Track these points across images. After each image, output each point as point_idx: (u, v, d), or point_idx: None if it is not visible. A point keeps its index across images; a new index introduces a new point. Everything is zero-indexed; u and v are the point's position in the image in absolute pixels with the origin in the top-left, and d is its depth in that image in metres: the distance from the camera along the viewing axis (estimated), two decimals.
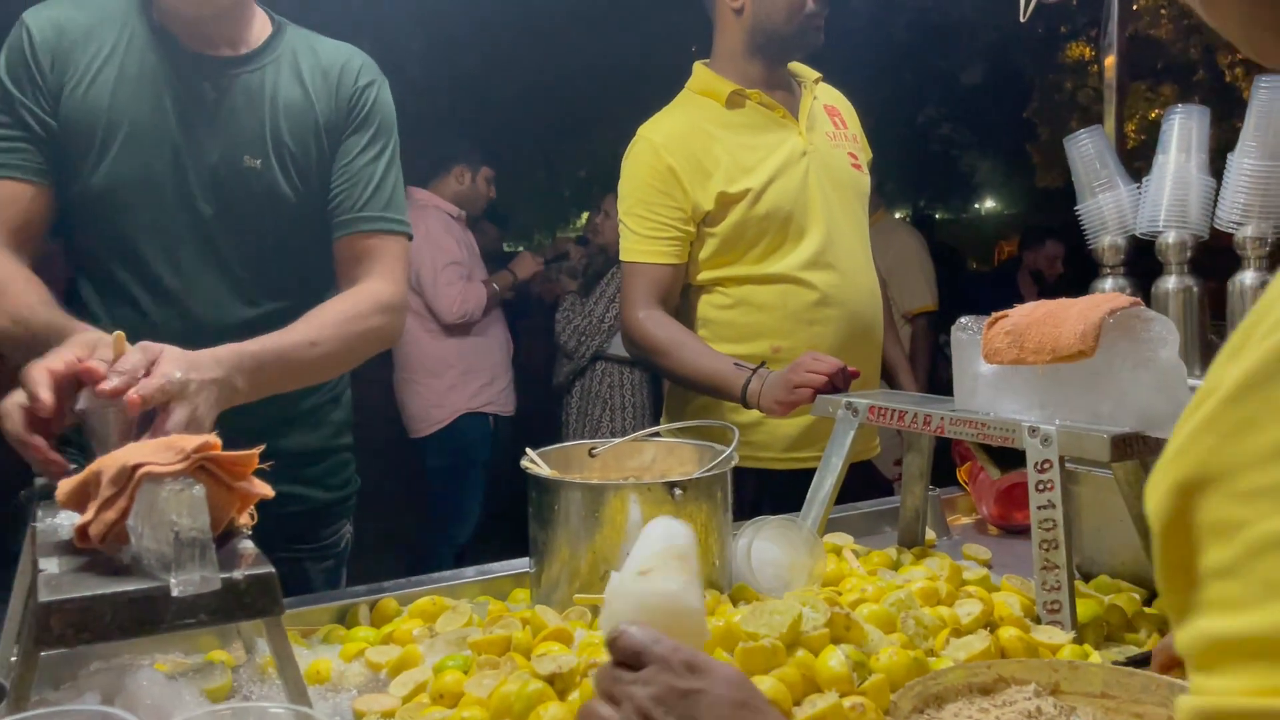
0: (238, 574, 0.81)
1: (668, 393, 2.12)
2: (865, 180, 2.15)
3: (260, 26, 1.55)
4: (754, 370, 1.84)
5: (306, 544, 1.68)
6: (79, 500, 0.85)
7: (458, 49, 6.56)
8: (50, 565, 0.83)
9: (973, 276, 6.16)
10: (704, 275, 2.03)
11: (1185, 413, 0.45)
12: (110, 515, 0.81)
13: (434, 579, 1.48)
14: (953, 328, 1.49)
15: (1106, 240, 1.80)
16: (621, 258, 2.05)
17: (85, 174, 1.45)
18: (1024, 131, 11.00)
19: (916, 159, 12.82)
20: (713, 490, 1.36)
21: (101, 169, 1.44)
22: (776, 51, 2.05)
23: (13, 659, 0.85)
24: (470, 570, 1.52)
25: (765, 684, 0.90)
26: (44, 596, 0.76)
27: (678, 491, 1.30)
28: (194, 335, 1.23)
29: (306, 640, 1.29)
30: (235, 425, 1.11)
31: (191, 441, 0.83)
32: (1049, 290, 4.53)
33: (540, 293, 4.35)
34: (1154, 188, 1.71)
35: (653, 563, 0.83)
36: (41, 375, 1.02)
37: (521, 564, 1.48)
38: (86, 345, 1.08)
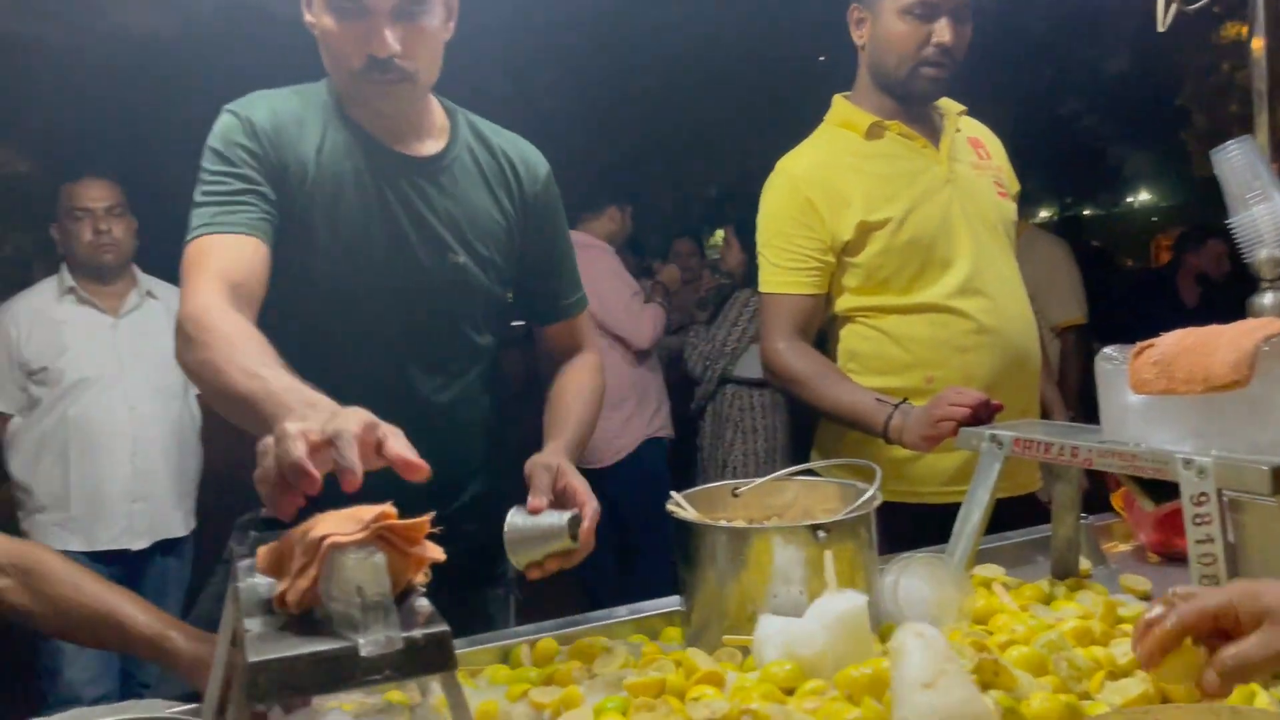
0: (417, 633, 0.89)
1: (819, 426, 2.13)
2: (1012, 209, 2.12)
3: (438, 115, 1.60)
4: (896, 405, 1.84)
5: (481, 575, 1.78)
6: (275, 568, 0.95)
7: (585, 75, 6.73)
8: (254, 625, 0.92)
9: (1127, 281, 5.90)
10: (848, 304, 2.03)
11: None
12: (304, 584, 0.89)
13: (589, 618, 1.55)
14: (1096, 358, 1.47)
15: (1264, 254, 1.73)
16: (761, 289, 2.08)
17: (295, 260, 1.48)
18: (1178, 119, 10.44)
19: (1061, 155, 12.32)
20: (857, 530, 1.38)
21: (314, 263, 1.49)
22: (896, 93, 2.04)
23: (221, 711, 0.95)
24: (623, 610, 1.58)
25: None
26: (252, 657, 0.85)
27: (821, 534, 1.33)
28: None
29: (474, 680, 1.38)
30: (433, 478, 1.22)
31: (370, 512, 0.91)
32: (1216, 291, 4.27)
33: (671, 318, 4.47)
34: None
35: (929, 675, 0.95)
36: (300, 444, 0.95)
37: (672, 602, 1.53)
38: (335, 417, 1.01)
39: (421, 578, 0.97)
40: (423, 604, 0.95)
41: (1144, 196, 15.06)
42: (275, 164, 1.46)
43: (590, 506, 1.36)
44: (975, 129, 2.17)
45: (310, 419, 0.96)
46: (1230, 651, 0.87)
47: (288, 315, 1.54)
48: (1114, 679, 1.13)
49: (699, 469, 4.05)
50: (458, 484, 1.65)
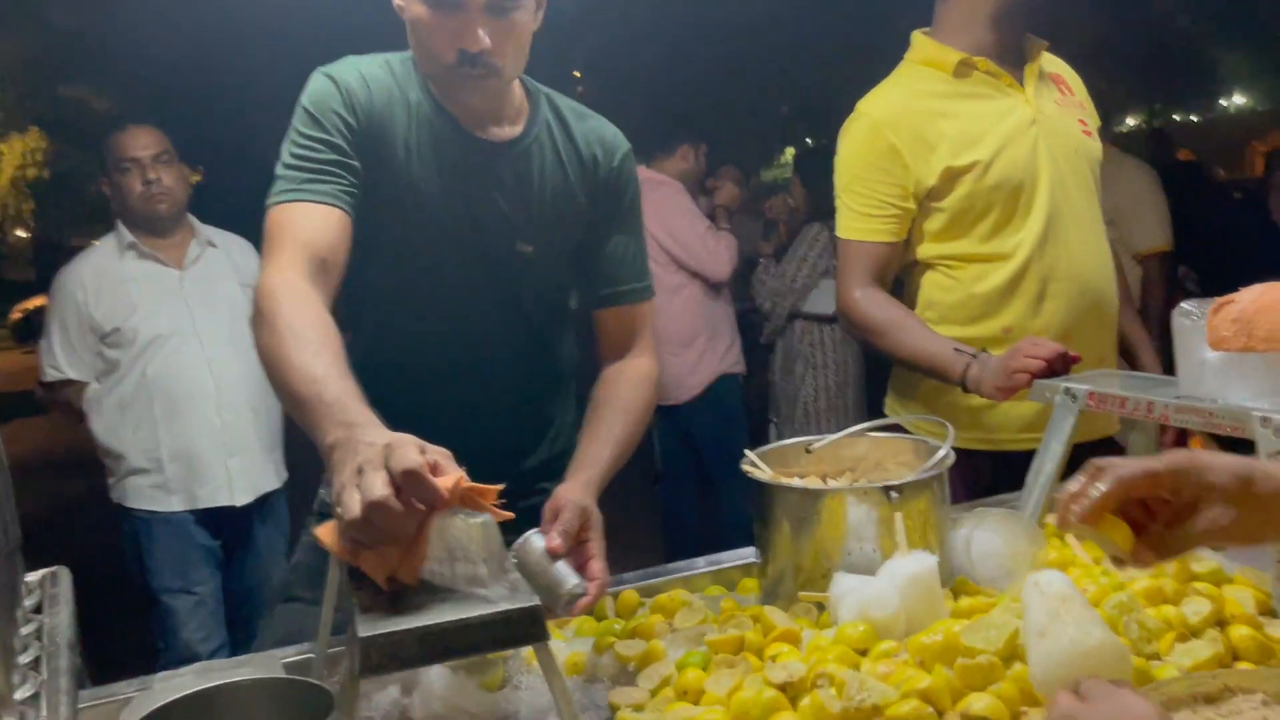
0: (512, 608, 0.96)
1: (894, 372, 2.14)
2: (1097, 147, 2.07)
3: (518, 97, 1.58)
4: (974, 355, 1.84)
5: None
6: (354, 555, 0.98)
7: (657, 8, 6.62)
8: (362, 598, 1.00)
9: (1216, 198, 5.66)
10: (929, 252, 2.00)
11: None
12: (416, 560, 0.97)
13: (669, 569, 1.62)
14: (1174, 313, 1.45)
15: None
16: (838, 234, 2.05)
17: (373, 237, 1.48)
18: (1275, 17, 9.88)
19: (1152, 57, 11.79)
20: (929, 488, 1.41)
21: (390, 241, 1.50)
22: (1026, 18, 1.98)
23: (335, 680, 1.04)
24: (701, 561, 1.64)
25: (982, 701, 0.97)
26: (363, 632, 0.93)
27: (894, 495, 1.36)
28: (429, 414, 1.25)
29: (562, 632, 1.46)
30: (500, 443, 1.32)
31: (446, 482, 0.97)
32: None
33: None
34: None
35: (1047, 621, 1.01)
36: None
37: (748, 553, 1.58)
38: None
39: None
40: (516, 579, 1.02)
41: (1239, 100, 14.33)
42: (367, 137, 1.46)
43: (599, 583, 1.29)
44: (1056, 65, 2.12)
45: (360, 455, 0.97)
46: (1176, 530, 0.91)
47: (363, 290, 1.59)
48: (1184, 640, 1.16)
49: (771, 404, 4.09)
50: (522, 452, 1.67)
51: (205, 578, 2.94)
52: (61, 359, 2.90)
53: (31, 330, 11.32)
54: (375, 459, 0.95)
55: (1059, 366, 1.67)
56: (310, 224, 1.39)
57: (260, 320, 1.29)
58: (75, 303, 2.88)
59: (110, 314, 2.86)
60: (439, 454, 1.00)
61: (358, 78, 1.49)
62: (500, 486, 1.04)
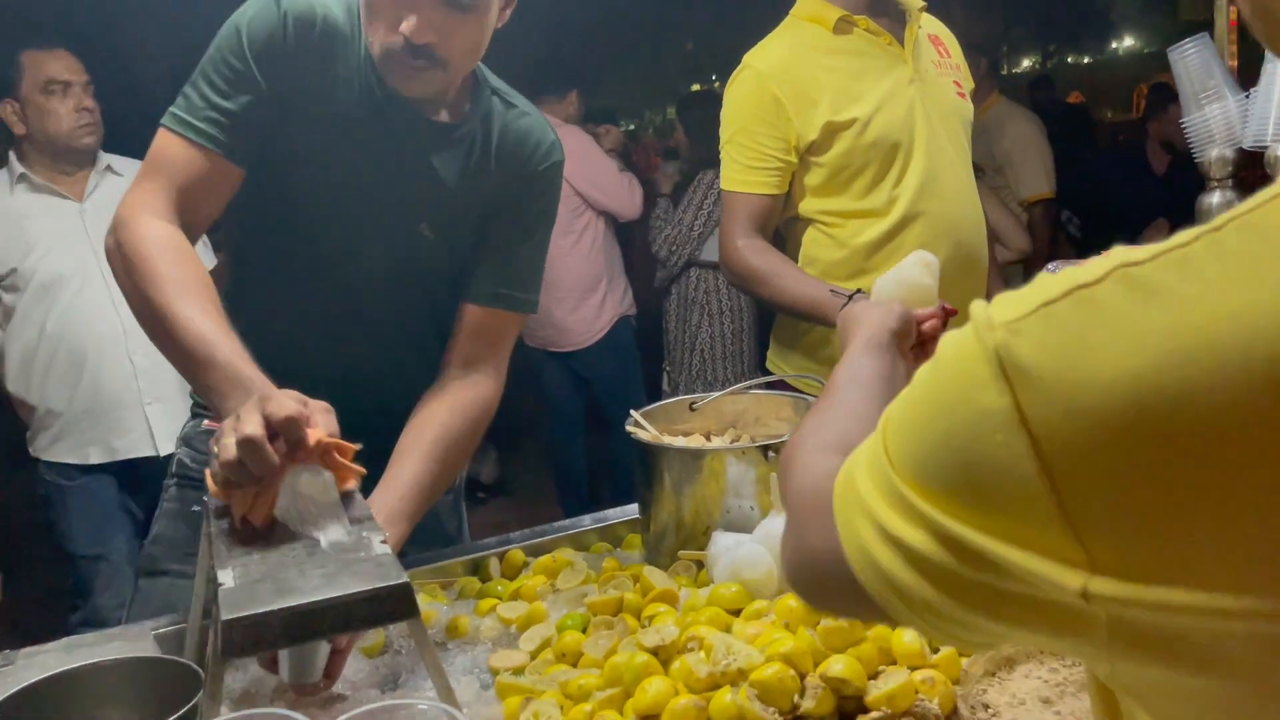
0: (380, 585, 0.95)
1: (777, 324, 2.17)
2: (969, 109, 2.11)
3: (464, 84, 1.49)
4: (850, 296, 1.83)
5: None
6: (227, 494, 1.06)
7: None
8: (226, 578, 0.99)
9: (1101, 142, 5.86)
10: (809, 208, 2.02)
11: None
12: (266, 503, 1.04)
13: (555, 528, 1.63)
14: (1040, 273, 1.50)
15: (1214, 153, 1.75)
16: (723, 186, 2.07)
17: (273, 188, 1.42)
18: None
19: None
20: None
21: (291, 187, 1.42)
22: None
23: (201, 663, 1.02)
24: (587, 519, 1.66)
25: (840, 663, 1.00)
26: (226, 614, 0.92)
27: (770, 454, 1.39)
28: (311, 374, 1.23)
29: (445, 593, 1.46)
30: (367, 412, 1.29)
31: (314, 434, 1.05)
32: (1185, 159, 4.23)
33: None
34: (1262, 98, 1.65)
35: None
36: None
37: (634, 509, 1.61)
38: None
39: (355, 483, 1.11)
40: (385, 554, 1.01)
41: (1129, 43, 14.75)
42: (292, 82, 1.37)
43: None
44: (934, 25, 2.14)
45: (246, 416, 1.03)
46: None
47: (249, 242, 1.54)
48: None
49: (666, 350, 4.12)
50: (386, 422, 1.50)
51: (121, 543, 2.74)
52: None
53: None
54: (254, 405, 1.04)
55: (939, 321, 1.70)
56: (194, 167, 1.35)
57: (129, 258, 1.28)
58: None
59: (3, 255, 2.61)
60: (319, 408, 1.08)
61: (308, 11, 1.37)
62: (358, 446, 1.09)
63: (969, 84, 2.15)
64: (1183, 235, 0.49)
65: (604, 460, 4.33)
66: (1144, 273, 0.48)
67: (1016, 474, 0.49)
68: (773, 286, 1.97)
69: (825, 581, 0.63)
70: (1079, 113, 6.05)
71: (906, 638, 1.04)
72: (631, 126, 11.14)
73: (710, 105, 4.14)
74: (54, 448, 2.71)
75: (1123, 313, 0.48)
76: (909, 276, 1.47)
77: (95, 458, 2.69)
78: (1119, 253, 0.50)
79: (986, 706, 0.99)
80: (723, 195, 2.08)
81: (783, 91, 1.96)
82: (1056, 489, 0.48)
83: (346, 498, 1.09)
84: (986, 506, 0.51)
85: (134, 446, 2.71)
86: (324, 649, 1.17)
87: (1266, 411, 0.43)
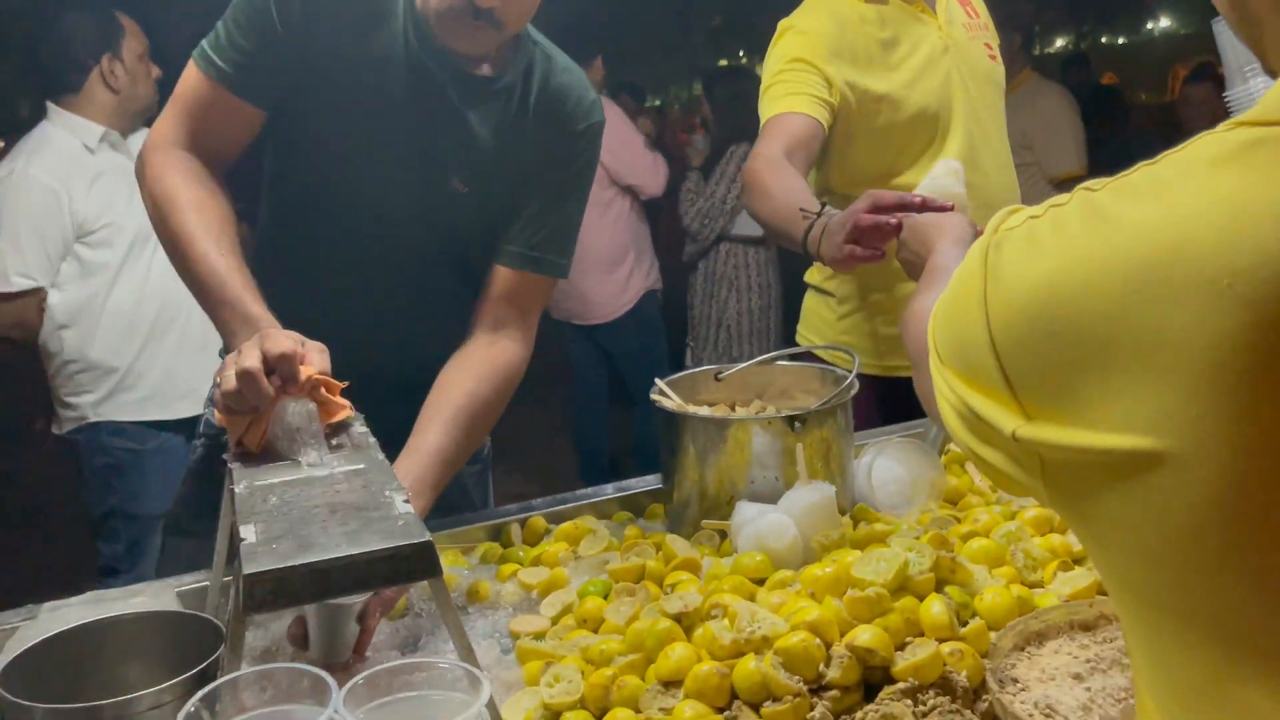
0: (403, 543, 0.94)
1: (806, 300, 2.14)
2: (1001, 72, 2.07)
3: (510, 39, 1.46)
4: (817, 214, 1.61)
5: None
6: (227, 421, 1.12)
7: None
8: (249, 534, 0.98)
9: (1136, 121, 5.75)
10: (848, 183, 1.96)
11: None
12: (260, 430, 1.11)
13: (577, 496, 1.62)
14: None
15: None
16: (762, 118, 1.93)
17: (306, 129, 1.42)
18: None
19: None
20: (832, 417, 1.43)
21: (325, 137, 1.42)
22: None
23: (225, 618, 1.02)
24: (609, 487, 1.65)
25: (867, 633, 0.99)
26: (249, 569, 0.91)
27: (797, 425, 1.37)
28: (340, 331, 1.23)
29: (466, 559, 1.45)
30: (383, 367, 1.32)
31: (307, 370, 1.11)
32: None
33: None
34: None
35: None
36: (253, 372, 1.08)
37: (656, 480, 1.59)
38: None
39: (349, 413, 1.16)
40: (408, 513, 1.00)
41: (1164, 23, 14.48)
42: (323, 25, 1.36)
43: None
44: None
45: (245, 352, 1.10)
46: None
47: (280, 195, 1.53)
48: (1066, 569, 1.20)
49: (690, 327, 4.09)
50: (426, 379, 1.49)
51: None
52: (33, 263, 2.51)
53: None
54: (255, 341, 1.11)
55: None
56: (209, 104, 1.39)
57: (158, 184, 1.35)
58: (51, 195, 2.51)
59: (98, 210, 2.55)
60: (315, 347, 1.14)
61: None
62: (346, 384, 1.15)
63: (996, 40, 2.10)
64: (1134, 167, 0.60)
65: (627, 435, 4.32)
66: (1096, 197, 0.61)
67: (978, 343, 0.65)
68: (758, 201, 1.80)
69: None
70: (1113, 94, 5.94)
71: (935, 609, 1.03)
72: (658, 102, 11.05)
73: (738, 81, 4.09)
74: (140, 405, 2.64)
75: (1070, 228, 0.61)
76: (943, 185, 1.54)
77: (184, 411, 2.63)
78: (1093, 180, 0.63)
79: (1015, 680, 0.97)
80: (761, 129, 1.92)
81: (818, 53, 1.89)
82: (998, 355, 0.64)
83: (341, 428, 1.16)
84: (966, 365, 0.68)
85: (196, 405, 2.61)
86: (353, 629, 1.17)
87: (1130, 303, 0.56)
